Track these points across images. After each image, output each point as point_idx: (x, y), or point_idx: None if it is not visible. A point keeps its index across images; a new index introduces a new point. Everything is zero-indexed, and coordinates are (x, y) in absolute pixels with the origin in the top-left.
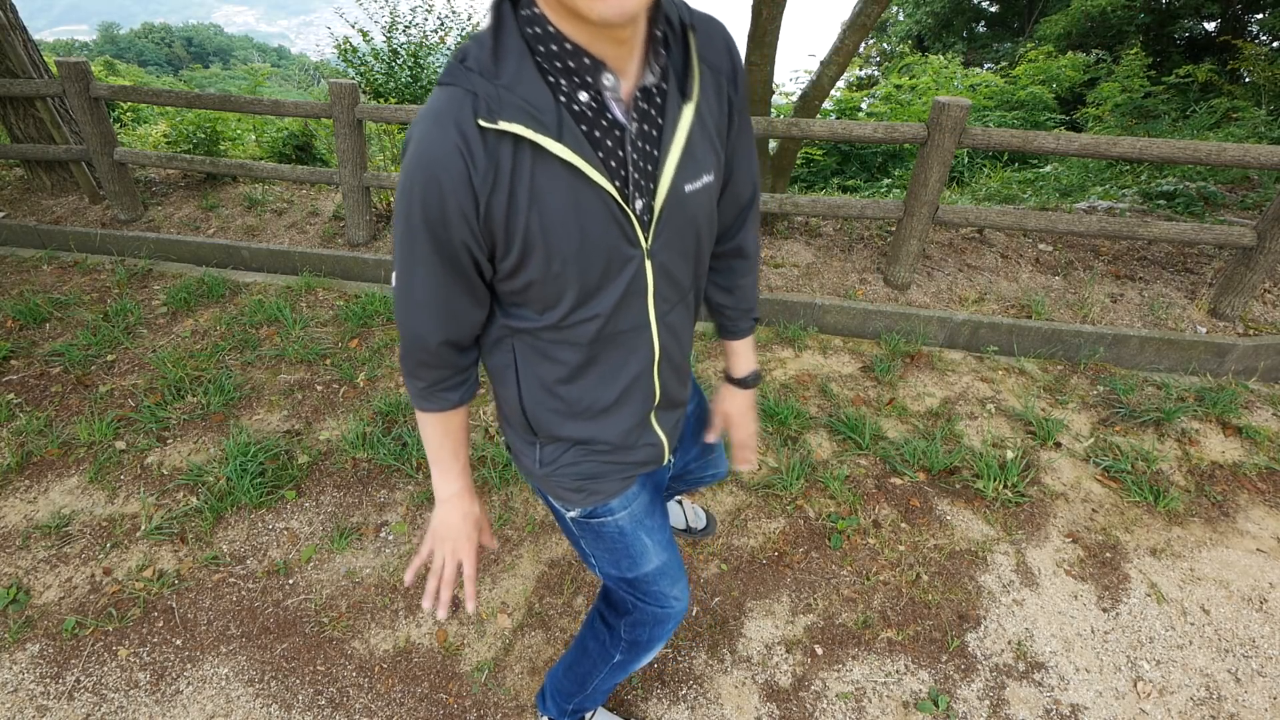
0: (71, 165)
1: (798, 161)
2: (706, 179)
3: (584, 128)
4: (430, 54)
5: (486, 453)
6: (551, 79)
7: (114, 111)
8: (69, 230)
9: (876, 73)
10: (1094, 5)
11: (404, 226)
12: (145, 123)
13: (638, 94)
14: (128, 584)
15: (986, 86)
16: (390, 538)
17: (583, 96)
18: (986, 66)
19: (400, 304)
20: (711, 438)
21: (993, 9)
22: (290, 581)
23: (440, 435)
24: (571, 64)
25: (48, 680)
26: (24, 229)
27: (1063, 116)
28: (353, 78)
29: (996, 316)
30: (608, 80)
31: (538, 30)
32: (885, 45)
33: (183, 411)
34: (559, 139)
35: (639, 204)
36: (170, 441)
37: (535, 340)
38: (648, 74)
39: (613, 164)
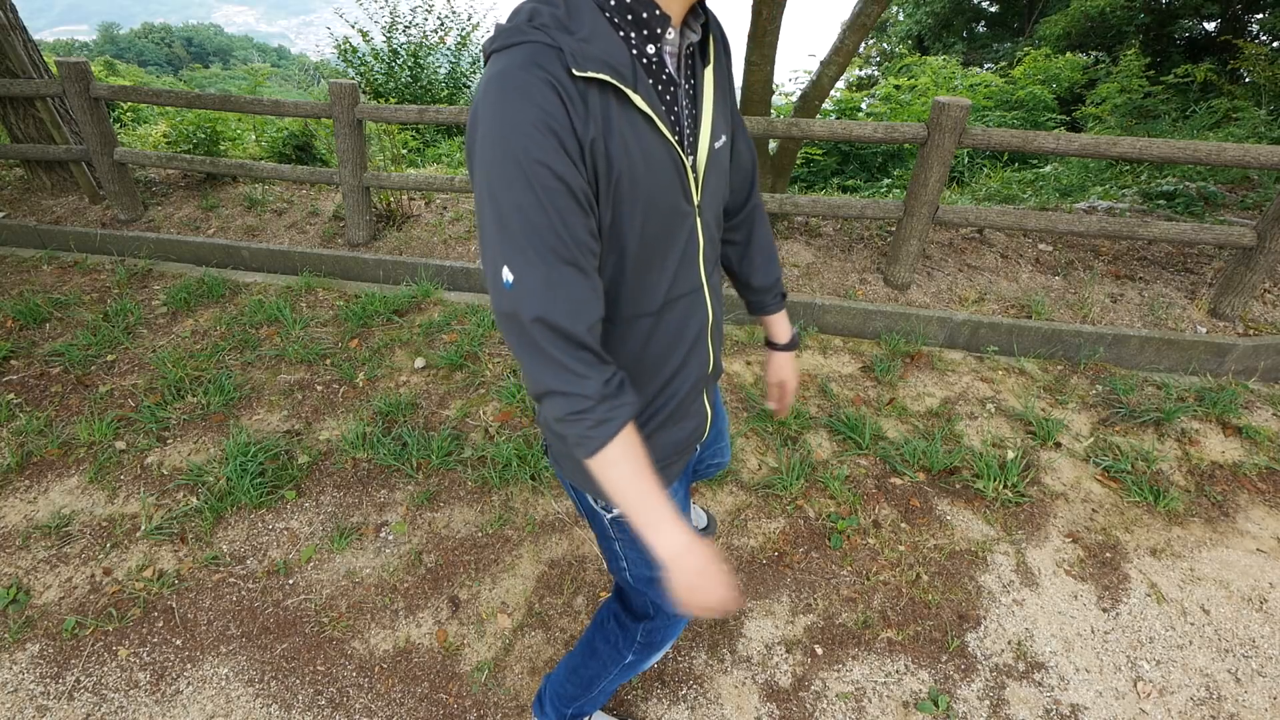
0: (71, 165)
1: (798, 161)
2: (725, 139)
3: (650, 81)
4: (430, 54)
5: (487, 453)
6: (621, 34)
7: (114, 111)
8: (69, 230)
9: (876, 73)
10: (1093, 5)
11: (517, 198)
12: (145, 123)
13: (685, 51)
14: (128, 584)
15: (986, 86)
16: (390, 538)
17: (650, 50)
18: (986, 67)
19: (532, 297)
20: (773, 405)
21: (993, 9)
22: (290, 581)
23: (636, 464)
24: (644, 15)
25: (48, 680)
26: (24, 229)
27: (1063, 116)
28: (353, 78)
29: (996, 316)
30: (670, 34)
31: None
32: (885, 45)
33: (183, 411)
34: (636, 90)
35: (689, 160)
36: (170, 441)
37: (609, 316)
38: (689, 32)
39: (671, 118)
